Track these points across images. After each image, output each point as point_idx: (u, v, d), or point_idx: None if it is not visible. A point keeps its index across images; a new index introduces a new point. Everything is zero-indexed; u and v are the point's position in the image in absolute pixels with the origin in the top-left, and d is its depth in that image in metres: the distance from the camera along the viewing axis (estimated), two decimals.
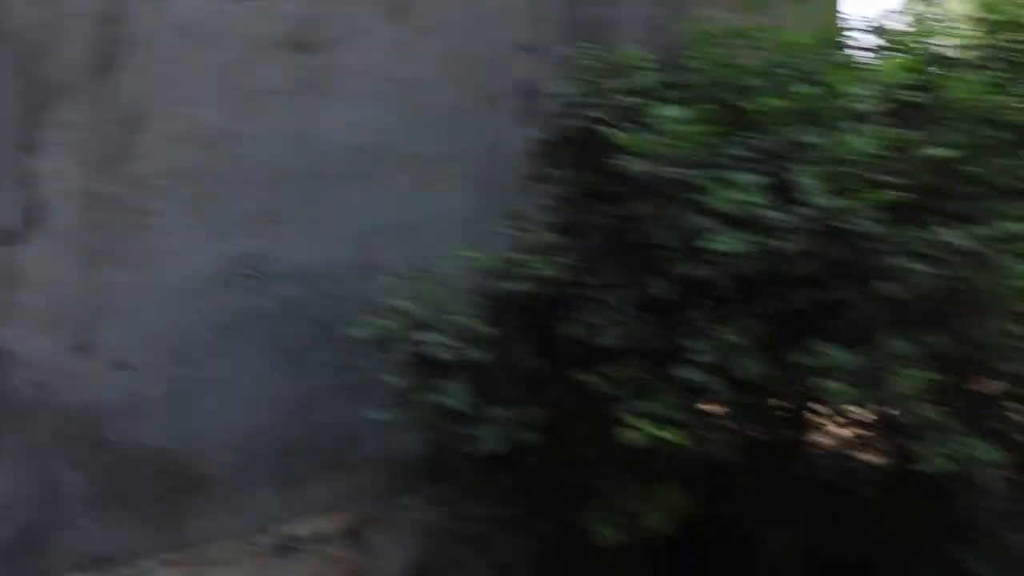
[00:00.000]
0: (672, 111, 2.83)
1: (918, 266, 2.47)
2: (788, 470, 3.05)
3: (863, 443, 3.04)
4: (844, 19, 4.22)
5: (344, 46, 3.94)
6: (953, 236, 2.48)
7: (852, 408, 2.79)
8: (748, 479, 2.93)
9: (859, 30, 3.52)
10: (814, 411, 3.02)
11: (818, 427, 3.18)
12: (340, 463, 4.01)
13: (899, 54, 3.17)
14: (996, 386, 2.69)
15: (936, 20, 3.52)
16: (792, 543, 2.90)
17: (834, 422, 3.10)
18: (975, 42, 3.31)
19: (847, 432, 3.12)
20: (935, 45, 3.28)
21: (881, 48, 3.35)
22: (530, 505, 3.13)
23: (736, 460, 2.89)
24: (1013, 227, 2.53)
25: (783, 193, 2.63)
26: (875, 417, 2.72)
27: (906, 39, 3.28)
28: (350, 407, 3.59)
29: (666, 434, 2.56)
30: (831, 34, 3.25)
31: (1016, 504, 2.65)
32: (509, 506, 3.26)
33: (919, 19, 3.52)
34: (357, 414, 3.39)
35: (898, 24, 3.46)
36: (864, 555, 2.92)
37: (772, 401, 2.83)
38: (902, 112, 2.75)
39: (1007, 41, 3.09)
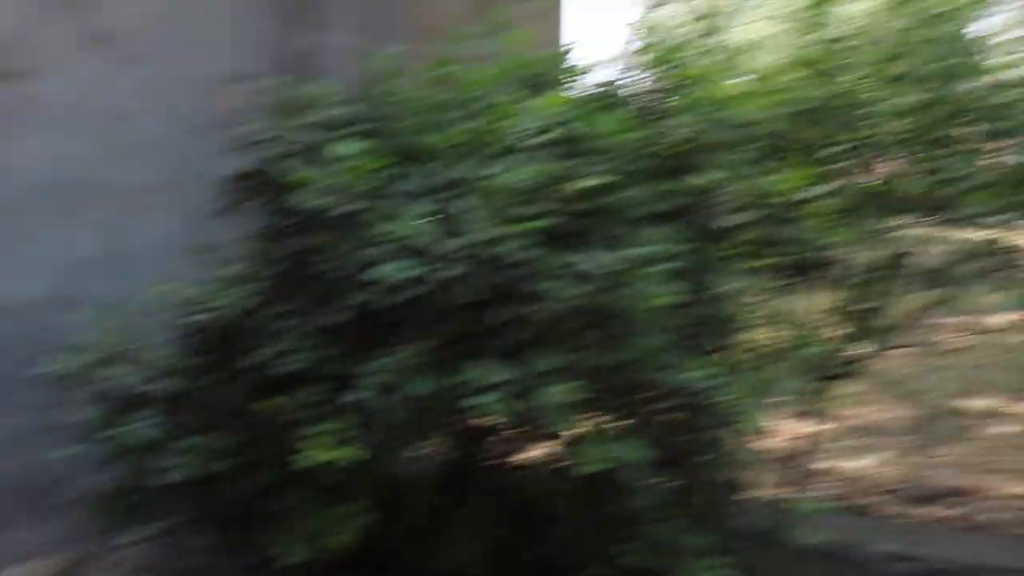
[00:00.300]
0: (348, 147, 2.98)
1: (564, 288, 2.71)
2: (474, 482, 3.26)
3: (547, 454, 3.28)
4: (559, 50, 4.48)
5: (43, 76, 3.89)
6: (595, 260, 2.74)
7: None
8: (434, 492, 3.11)
9: (556, 62, 3.78)
10: (509, 425, 3.23)
11: (513, 440, 3.40)
12: (50, 504, 3.93)
13: (569, 88, 3.44)
14: (644, 393, 2.97)
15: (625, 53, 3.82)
16: (475, 552, 3.10)
17: (525, 433, 3.32)
18: (642, 76, 3.63)
19: (540, 443, 3.34)
20: (603, 81, 3.58)
21: (558, 82, 3.61)
22: (230, 534, 3.20)
23: (421, 475, 3.07)
24: (650, 250, 2.81)
25: (448, 224, 2.83)
26: (538, 428, 2.95)
27: (576, 73, 3.56)
28: (56, 446, 3.53)
29: (341, 454, 2.70)
30: (512, 70, 3.48)
31: (664, 497, 2.94)
32: (212, 536, 3.31)
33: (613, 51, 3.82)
34: (62, 453, 3.35)
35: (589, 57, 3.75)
36: (544, 558, 3.15)
37: (452, 418, 3.01)
38: (558, 145, 2.99)
39: (659, 75, 3.43)
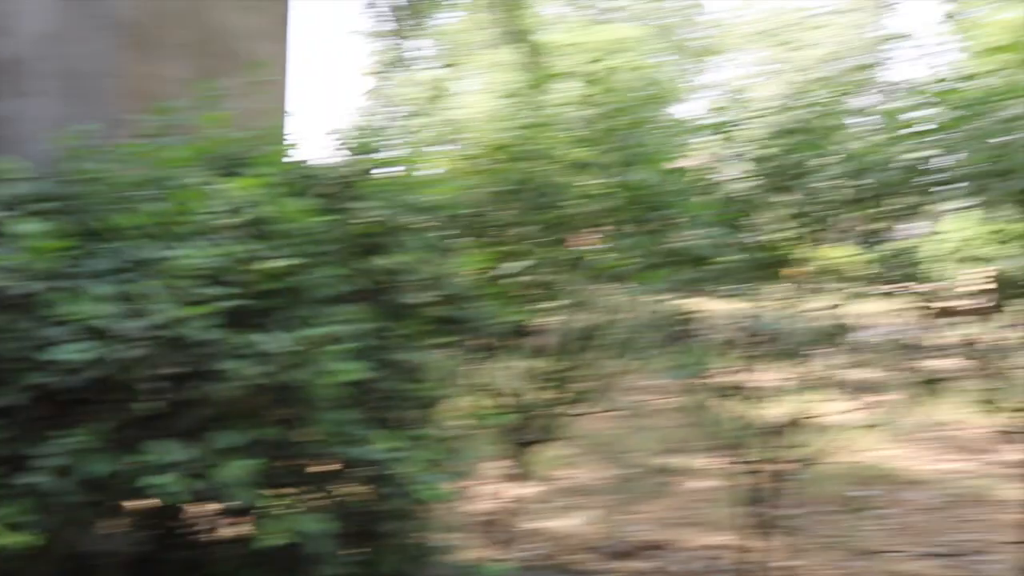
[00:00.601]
0: (29, 225, 2.95)
1: (246, 367, 2.79)
2: (168, 559, 3.25)
3: (243, 529, 3.32)
4: (273, 125, 4.59)
5: None
6: (278, 339, 2.84)
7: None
8: (125, 571, 3.09)
9: (255, 142, 3.86)
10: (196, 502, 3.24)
11: (210, 515, 3.42)
12: None
13: (267, 168, 3.54)
14: (328, 467, 3.08)
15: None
16: None
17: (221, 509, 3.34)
18: (340, 156, 3.78)
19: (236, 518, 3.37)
20: (302, 160, 3.70)
21: (255, 162, 3.70)
22: None
23: (110, 555, 3.04)
24: (334, 329, 2.95)
25: (131, 304, 2.85)
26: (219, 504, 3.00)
27: (277, 153, 3.67)
28: None
29: (14, 539, 2.65)
30: (208, 149, 3.54)
31: (352, 567, 3.05)
32: None
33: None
34: None
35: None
36: None
37: (133, 498, 3.01)
38: (246, 227, 3.09)
39: (355, 156, 3.60)
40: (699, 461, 6.34)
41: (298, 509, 2.88)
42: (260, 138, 3.86)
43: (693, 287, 4.44)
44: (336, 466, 3.03)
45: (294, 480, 2.99)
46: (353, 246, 3.31)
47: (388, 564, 3.25)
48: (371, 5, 20.19)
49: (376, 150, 3.68)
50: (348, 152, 3.64)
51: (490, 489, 5.00)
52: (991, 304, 4.34)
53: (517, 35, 23.91)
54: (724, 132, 4.57)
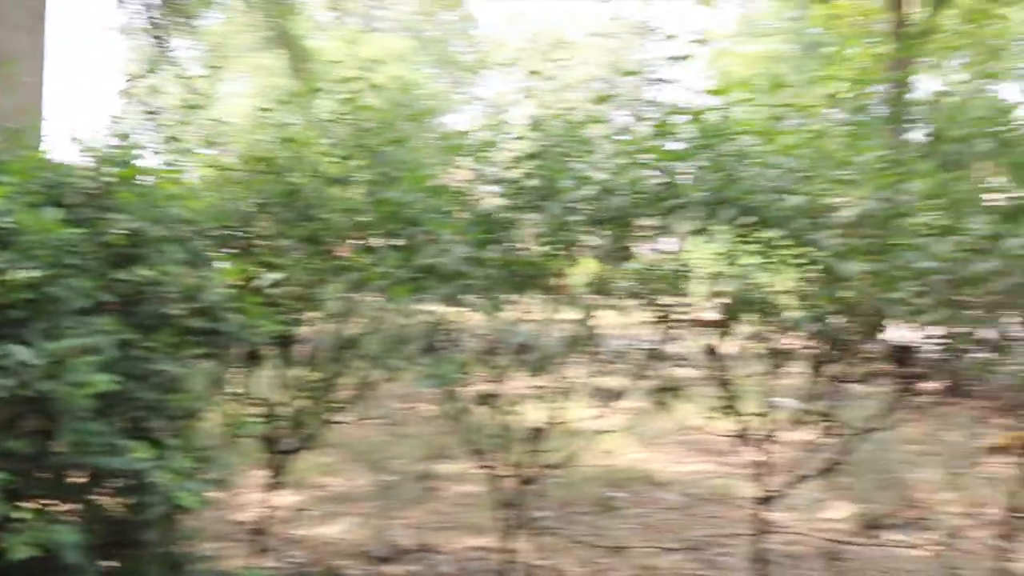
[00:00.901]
0: None
1: None
2: None
3: None
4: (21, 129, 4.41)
5: None
6: (29, 351, 2.80)
7: None
8: None
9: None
10: None
11: None
12: None
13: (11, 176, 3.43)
14: (83, 477, 3.06)
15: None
16: None
17: None
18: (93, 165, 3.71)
19: None
20: (52, 168, 3.62)
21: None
22: None
23: None
24: (87, 340, 2.93)
25: None
26: None
27: (27, 160, 3.57)
28: None
29: None
30: None
31: None
32: None
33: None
34: None
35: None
36: None
37: None
38: None
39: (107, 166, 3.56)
40: (459, 466, 6.55)
41: (50, 520, 2.84)
42: (7, 141, 3.74)
43: (450, 299, 4.59)
44: (91, 476, 3.00)
45: (47, 491, 2.95)
46: (106, 257, 3.29)
47: (147, 573, 3.24)
48: (123, 1, 19.15)
49: (131, 158, 3.64)
50: (101, 159, 3.59)
51: (252, 497, 5.00)
52: (726, 318, 4.71)
53: (283, 40, 23.45)
54: (481, 151, 4.75)
